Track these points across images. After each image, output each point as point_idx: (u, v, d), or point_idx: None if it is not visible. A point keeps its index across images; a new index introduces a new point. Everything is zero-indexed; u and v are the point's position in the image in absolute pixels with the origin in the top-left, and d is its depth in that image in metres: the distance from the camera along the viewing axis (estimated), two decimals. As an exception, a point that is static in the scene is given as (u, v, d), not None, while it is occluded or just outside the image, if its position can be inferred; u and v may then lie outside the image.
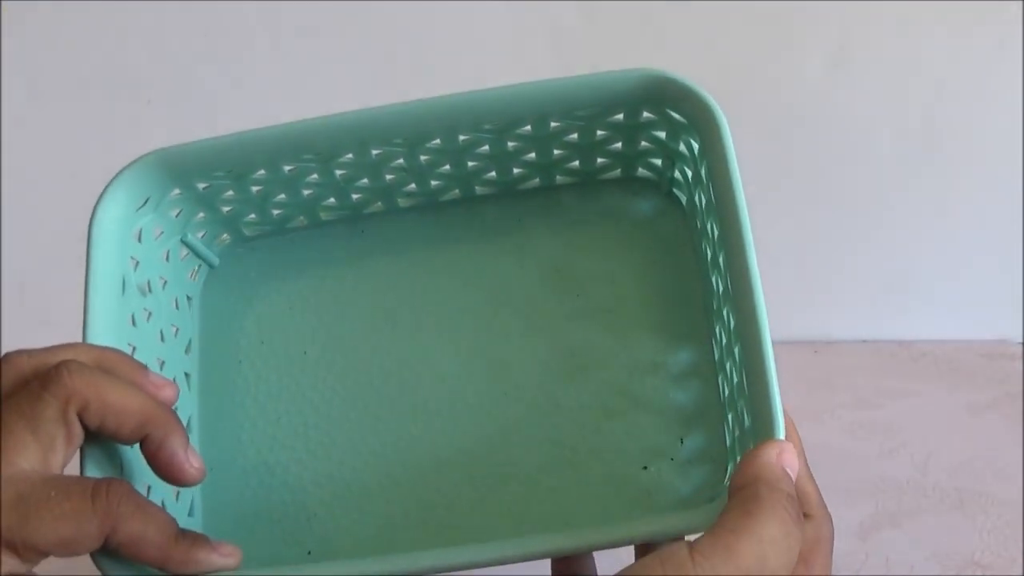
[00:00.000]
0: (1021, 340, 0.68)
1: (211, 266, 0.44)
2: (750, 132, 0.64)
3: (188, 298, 0.43)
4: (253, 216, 0.43)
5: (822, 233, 0.67)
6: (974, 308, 0.69)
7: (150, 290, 0.40)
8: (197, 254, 0.43)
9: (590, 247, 0.42)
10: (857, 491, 0.51)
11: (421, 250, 0.43)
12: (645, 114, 0.40)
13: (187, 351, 0.42)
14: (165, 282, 0.41)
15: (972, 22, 0.59)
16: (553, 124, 0.40)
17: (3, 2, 0.59)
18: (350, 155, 0.40)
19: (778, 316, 0.70)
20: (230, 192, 0.41)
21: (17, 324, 0.69)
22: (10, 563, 0.28)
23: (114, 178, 0.38)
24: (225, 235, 0.44)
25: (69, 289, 0.68)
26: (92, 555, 0.31)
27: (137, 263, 0.39)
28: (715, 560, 0.23)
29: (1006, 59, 0.60)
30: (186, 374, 0.41)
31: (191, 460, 0.32)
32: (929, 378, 0.63)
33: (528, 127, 0.40)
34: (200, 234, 0.43)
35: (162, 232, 0.41)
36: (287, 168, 0.40)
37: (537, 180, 0.43)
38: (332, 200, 0.43)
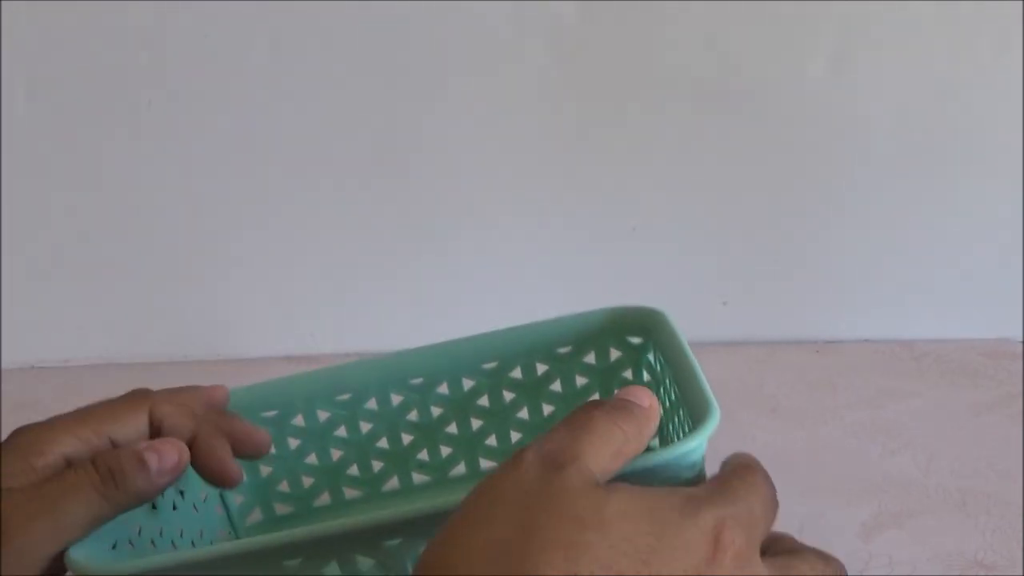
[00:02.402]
0: (1021, 339, 0.68)
1: (238, 539, 0.48)
2: (750, 132, 0.64)
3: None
4: (285, 485, 0.48)
5: (823, 234, 0.67)
6: (975, 308, 0.69)
7: (182, 497, 0.43)
8: (230, 519, 0.47)
9: None
10: (859, 491, 0.50)
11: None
12: (612, 353, 0.47)
13: None
14: (202, 533, 0.45)
15: (972, 22, 0.59)
16: (540, 368, 0.47)
17: (3, 2, 0.59)
18: (374, 403, 0.47)
19: (780, 317, 0.70)
20: (271, 447, 0.46)
21: (16, 325, 0.69)
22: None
23: None
24: (257, 510, 0.49)
25: (69, 289, 0.68)
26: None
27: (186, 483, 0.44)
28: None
29: (1006, 59, 0.60)
30: None
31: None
32: (931, 378, 0.63)
33: (519, 371, 0.47)
34: (237, 500, 0.48)
35: None
36: (322, 416, 0.47)
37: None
38: (355, 469, 0.49)
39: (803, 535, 0.46)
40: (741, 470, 0.29)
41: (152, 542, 0.40)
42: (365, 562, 0.33)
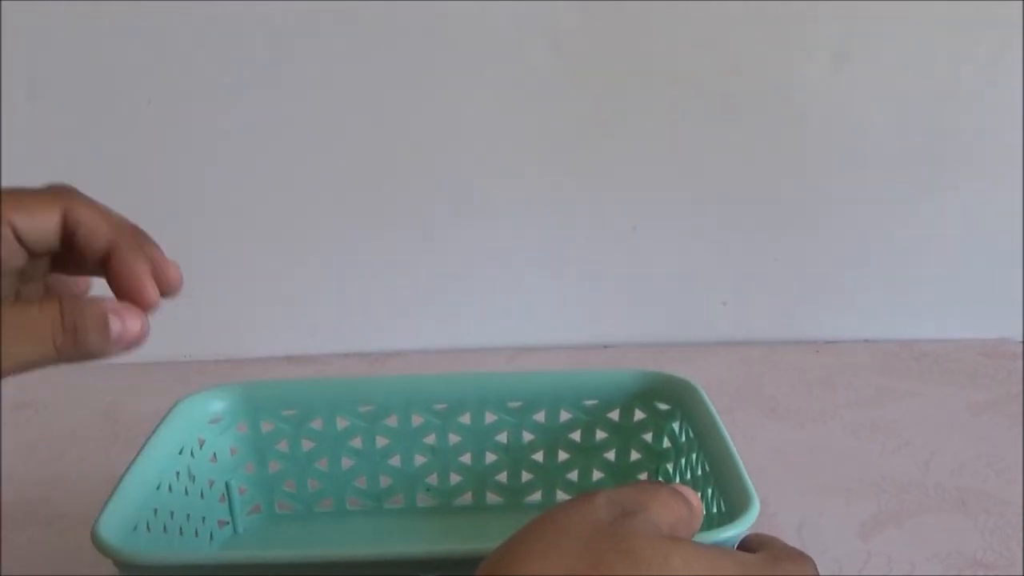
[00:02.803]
0: (1021, 339, 0.68)
1: (235, 531, 0.48)
2: (751, 132, 0.64)
3: (211, 536, 0.46)
4: (291, 485, 0.48)
5: (823, 234, 0.67)
6: (975, 308, 0.69)
7: (193, 482, 0.44)
8: (231, 509, 0.48)
9: None
10: (859, 491, 0.50)
11: (433, 543, 0.47)
12: (637, 414, 0.48)
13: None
14: (204, 519, 0.45)
15: (973, 22, 0.59)
16: (563, 416, 0.48)
17: (3, 2, 0.59)
18: (395, 420, 0.47)
19: (780, 317, 0.70)
20: (283, 443, 0.48)
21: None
22: None
23: (205, 390, 0.46)
24: (259, 503, 0.49)
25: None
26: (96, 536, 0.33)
27: (193, 457, 0.44)
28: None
29: (1006, 59, 0.60)
30: None
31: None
32: (930, 378, 0.63)
33: (543, 414, 0.48)
34: (241, 490, 0.48)
35: (216, 462, 0.46)
36: (340, 424, 0.47)
37: (539, 494, 0.50)
38: (363, 481, 0.49)
39: (802, 534, 0.47)
40: (794, 553, 0.31)
41: (164, 527, 0.40)
42: None
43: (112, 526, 0.34)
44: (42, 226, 0.34)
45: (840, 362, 0.66)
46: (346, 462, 0.48)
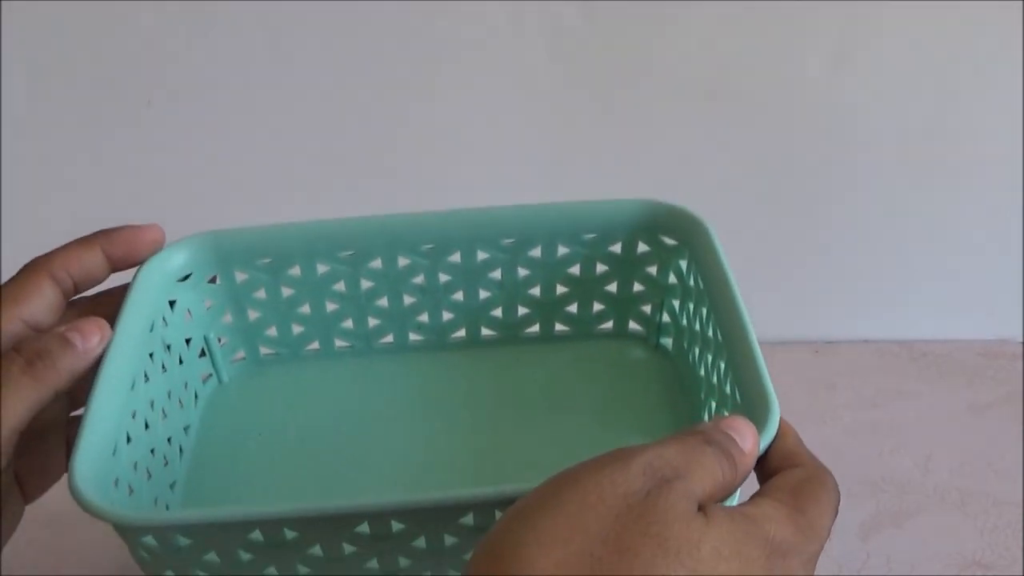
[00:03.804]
0: (1021, 339, 0.68)
1: (220, 380, 0.46)
2: (750, 132, 0.64)
3: (196, 395, 0.45)
4: (273, 331, 0.46)
5: (823, 234, 0.67)
6: (974, 308, 0.69)
7: (169, 352, 0.42)
8: (213, 361, 0.46)
9: (583, 387, 0.46)
10: (858, 491, 0.51)
11: (427, 385, 0.46)
12: (640, 246, 0.45)
13: (186, 431, 0.44)
14: (186, 384, 0.44)
15: (972, 22, 0.59)
16: (560, 251, 0.44)
17: (3, 2, 0.59)
18: (379, 263, 0.44)
19: (779, 317, 0.70)
20: (261, 292, 0.45)
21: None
22: None
23: (167, 246, 0.42)
24: (242, 352, 0.47)
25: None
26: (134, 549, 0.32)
27: (166, 325, 0.42)
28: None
29: (1006, 59, 0.60)
30: (180, 448, 0.43)
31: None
32: (930, 378, 0.63)
33: (538, 250, 0.44)
34: (221, 340, 0.46)
35: (191, 318, 0.44)
36: (320, 269, 0.44)
37: (537, 326, 0.48)
38: (349, 323, 0.46)
39: (802, 535, 0.47)
40: (818, 491, 0.31)
41: (145, 424, 0.38)
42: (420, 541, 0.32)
43: (87, 465, 0.32)
44: (43, 304, 0.37)
45: (840, 362, 0.66)
46: (330, 306, 0.46)
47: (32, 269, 0.37)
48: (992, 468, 0.52)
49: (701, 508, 0.26)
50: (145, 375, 0.39)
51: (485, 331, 0.48)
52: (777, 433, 0.32)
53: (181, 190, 0.65)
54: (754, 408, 0.33)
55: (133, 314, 0.39)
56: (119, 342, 0.37)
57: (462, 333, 0.48)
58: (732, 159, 0.64)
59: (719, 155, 0.64)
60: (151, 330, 0.40)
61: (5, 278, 0.67)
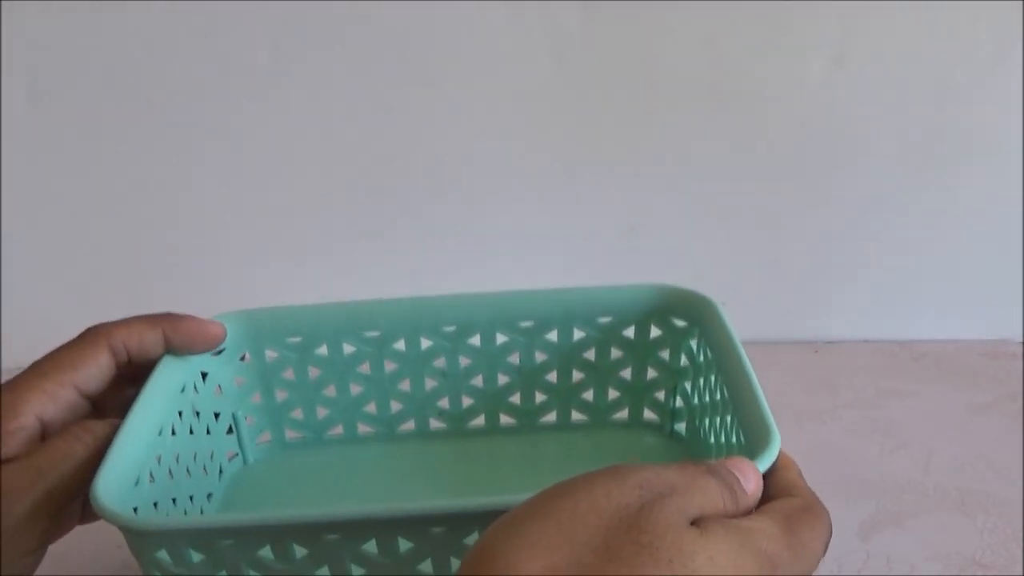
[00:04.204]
0: (1021, 340, 0.68)
1: (245, 461, 0.48)
2: (750, 132, 0.64)
3: (221, 470, 0.46)
4: (299, 413, 0.47)
5: (823, 234, 0.67)
6: (974, 308, 0.69)
7: (197, 418, 0.43)
8: (239, 441, 0.47)
9: None
10: (858, 491, 0.50)
11: (448, 474, 0.47)
12: (653, 330, 0.46)
13: (208, 498, 0.44)
14: (212, 454, 0.45)
15: (972, 22, 0.59)
16: (576, 335, 0.46)
17: (3, 2, 0.59)
18: (402, 344, 0.45)
19: (779, 317, 0.70)
20: (289, 372, 0.46)
21: (16, 326, 0.69)
22: None
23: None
24: (268, 433, 0.48)
25: (70, 289, 0.68)
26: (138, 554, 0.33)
27: (196, 393, 0.43)
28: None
29: (1006, 59, 0.60)
30: (201, 511, 0.44)
31: None
32: (930, 378, 0.63)
33: (555, 333, 0.46)
34: (248, 420, 0.47)
35: (221, 393, 0.45)
36: (347, 349, 0.45)
37: (554, 414, 0.49)
38: (372, 407, 0.48)
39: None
40: (812, 520, 0.29)
41: (169, 472, 0.39)
42: (405, 544, 0.33)
43: (111, 483, 0.33)
44: (97, 373, 0.37)
45: (840, 362, 0.66)
46: (355, 388, 0.47)
47: (93, 337, 0.38)
48: (991, 468, 0.52)
49: (695, 523, 0.26)
50: (172, 429, 0.40)
51: (504, 418, 0.49)
52: (779, 464, 0.33)
53: (181, 189, 0.65)
54: (756, 437, 0.34)
55: (167, 374, 0.40)
56: (151, 392, 0.38)
57: (481, 421, 0.49)
58: (731, 159, 0.64)
59: (718, 155, 0.64)
60: (182, 391, 0.41)
61: (5, 278, 0.67)
